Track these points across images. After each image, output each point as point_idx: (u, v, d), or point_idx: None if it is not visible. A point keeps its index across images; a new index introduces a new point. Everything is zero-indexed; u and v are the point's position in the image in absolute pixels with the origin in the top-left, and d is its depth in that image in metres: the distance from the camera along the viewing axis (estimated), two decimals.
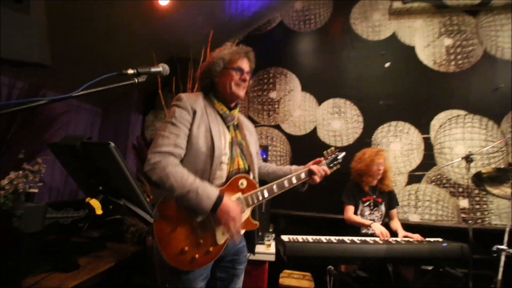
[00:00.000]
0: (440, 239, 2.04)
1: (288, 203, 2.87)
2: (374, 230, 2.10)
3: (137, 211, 0.80)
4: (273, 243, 2.46)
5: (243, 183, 1.25)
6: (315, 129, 3.07)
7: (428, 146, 2.83)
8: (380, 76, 2.98)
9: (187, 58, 2.70)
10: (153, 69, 0.98)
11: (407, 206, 2.80)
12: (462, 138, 2.77)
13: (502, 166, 2.54)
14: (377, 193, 2.37)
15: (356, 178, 2.41)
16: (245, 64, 1.31)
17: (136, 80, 0.92)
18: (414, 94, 2.90)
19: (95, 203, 0.75)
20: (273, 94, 3.19)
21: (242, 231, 1.31)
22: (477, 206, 2.68)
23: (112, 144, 0.72)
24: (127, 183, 0.77)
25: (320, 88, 3.10)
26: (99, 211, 0.75)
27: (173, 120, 1.19)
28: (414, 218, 2.77)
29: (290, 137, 3.10)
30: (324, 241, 1.86)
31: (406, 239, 2.06)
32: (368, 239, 1.94)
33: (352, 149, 2.57)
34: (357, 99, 3.01)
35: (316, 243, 1.80)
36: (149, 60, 2.92)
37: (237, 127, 1.35)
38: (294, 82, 3.16)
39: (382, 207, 2.36)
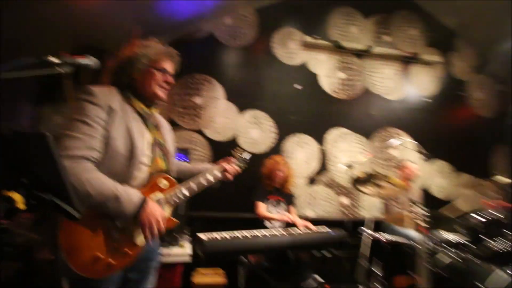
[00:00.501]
0: (328, 229, 2.60)
1: (206, 205, 2.97)
2: (295, 220, 2.52)
3: (64, 206, 0.78)
4: (187, 244, 2.39)
5: (163, 182, 1.23)
6: (235, 136, 3.37)
7: (323, 155, 3.52)
8: (292, 95, 3.54)
9: (104, 50, 2.57)
10: (80, 60, 0.88)
11: (305, 203, 3.40)
12: (346, 150, 3.57)
13: (370, 172, 3.42)
14: (279, 193, 2.82)
15: (263, 180, 2.84)
16: (170, 66, 1.27)
17: (62, 70, 0.83)
18: (315, 113, 3.57)
19: (16, 197, 0.70)
20: (197, 100, 3.34)
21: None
22: (354, 203, 3.51)
23: (50, 136, 0.70)
24: (57, 177, 0.74)
25: (242, 99, 3.43)
26: (21, 206, 0.70)
27: (85, 118, 1.06)
28: (310, 213, 3.39)
29: (212, 142, 3.30)
30: (240, 236, 2.09)
31: (305, 231, 2.55)
32: (275, 231, 2.31)
33: (267, 156, 2.98)
34: (273, 112, 3.47)
35: (233, 239, 2.04)
36: (60, 46, 2.63)
37: (156, 126, 1.30)
38: (219, 91, 3.40)
39: (284, 205, 2.83)
